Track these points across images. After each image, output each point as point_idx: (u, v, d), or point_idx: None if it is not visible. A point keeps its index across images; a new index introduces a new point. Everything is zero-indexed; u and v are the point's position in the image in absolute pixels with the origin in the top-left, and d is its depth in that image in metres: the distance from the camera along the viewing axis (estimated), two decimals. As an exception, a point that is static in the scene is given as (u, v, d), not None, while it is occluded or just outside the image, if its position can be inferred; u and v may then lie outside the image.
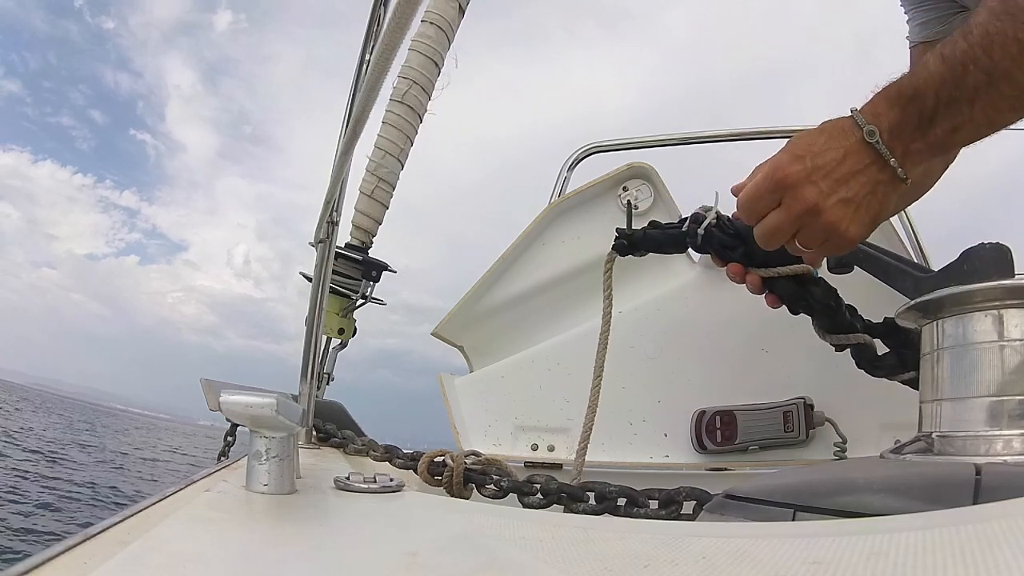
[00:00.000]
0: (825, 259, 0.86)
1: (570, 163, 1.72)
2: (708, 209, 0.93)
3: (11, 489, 7.18)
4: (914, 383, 0.75)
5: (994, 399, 0.47)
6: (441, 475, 0.81)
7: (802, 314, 0.93)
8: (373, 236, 1.47)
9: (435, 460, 0.83)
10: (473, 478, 0.80)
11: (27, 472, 8.62)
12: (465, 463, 0.81)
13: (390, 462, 0.91)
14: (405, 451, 0.92)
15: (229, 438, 0.98)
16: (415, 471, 0.85)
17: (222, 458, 1.00)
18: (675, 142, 1.69)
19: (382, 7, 0.93)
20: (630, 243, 1.00)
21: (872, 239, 1.28)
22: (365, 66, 0.90)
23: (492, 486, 0.79)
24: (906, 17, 1.12)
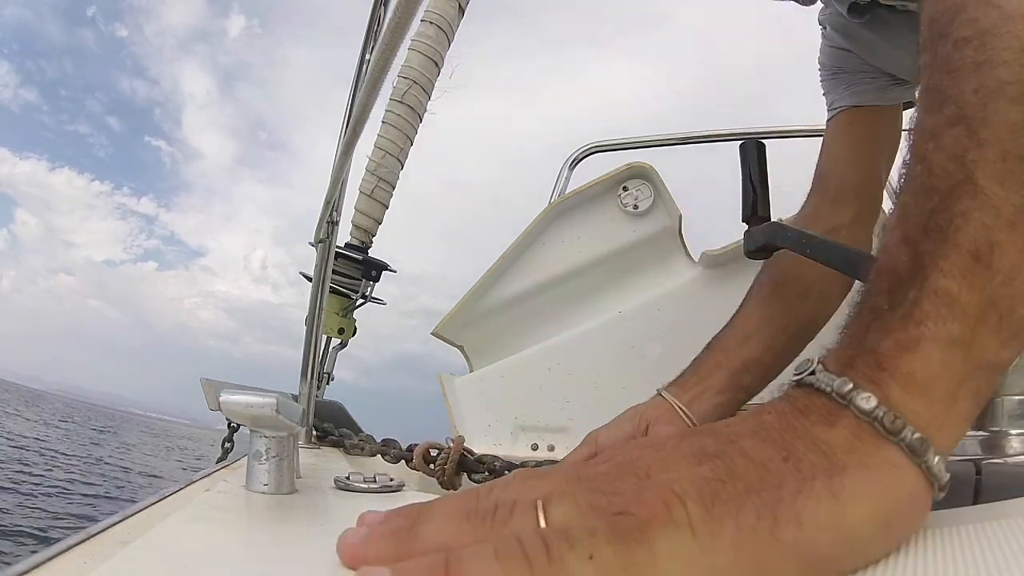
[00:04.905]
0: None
1: (570, 163, 1.72)
2: None
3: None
4: None
5: (993, 399, 0.47)
6: (435, 462, 0.81)
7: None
8: (373, 236, 1.47)
9: (430, 450, 0.84)
10: (468, 464, 0.80)
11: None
12: (462, 451, 0.81)
13: (383, 455, 0.91)
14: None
15: (228, 444, 0.97)
16: (408, 462, 0.85)
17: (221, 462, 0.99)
18: (675, 142, 1.69)
19: (382, 7, 0.93)
20: None
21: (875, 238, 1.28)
22: (365, 66, 0.90)
23: (486, 472, 0.79)
24: (825, 90, 0.97)
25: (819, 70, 0.97)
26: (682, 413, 0.80)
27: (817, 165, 0.95)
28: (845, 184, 0.92)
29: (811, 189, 0.95)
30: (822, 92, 0.97)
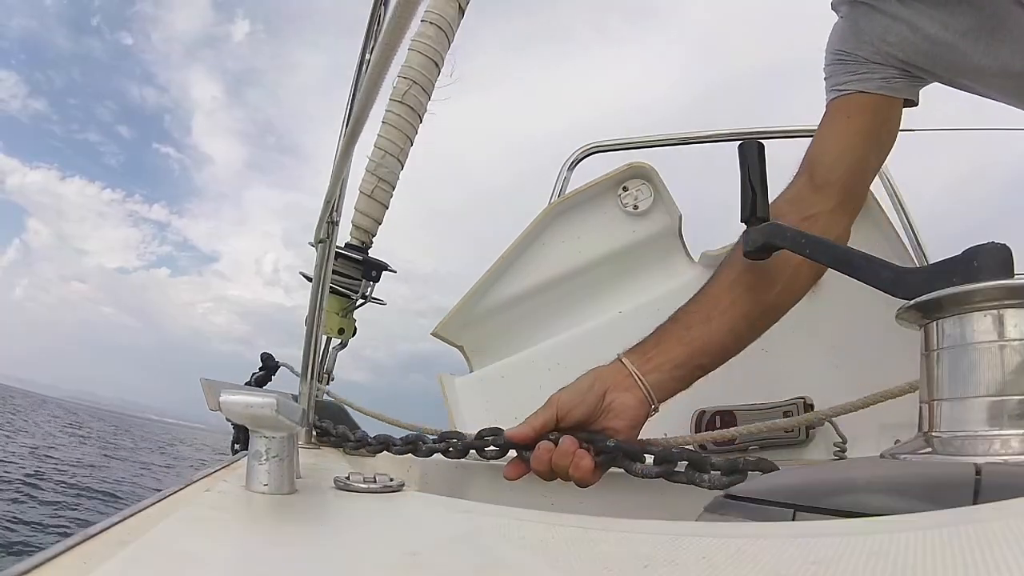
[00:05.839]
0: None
1: (570, 163, 1.72)
2: None
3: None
4: None
5: (994, 399, 0.47)
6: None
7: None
8: (373, 236, 1.47)
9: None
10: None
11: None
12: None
13: (389, 450, 0.91)
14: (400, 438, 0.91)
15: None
16: (416, 452, 0.87)
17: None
18: (675, 142, 1.69)
19: (382, 7, 0.93)
20: None
21: (874, 239, 1.27)
22: (365, 66, 0.90)
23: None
24: (827, 74, 0.96)
25: (826, 54, 0.96)
26: (640, 382, 0.82)
27: (808, 148, 0.94)
28: (832, 172, 0.91)
29: (798, 171, 0.94)
30: (824, 76, 0.96)
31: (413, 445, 0.88)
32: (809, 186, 0.92)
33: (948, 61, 0.88)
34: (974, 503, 0.37)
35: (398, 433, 0.93)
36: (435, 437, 0.89)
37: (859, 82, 0.91)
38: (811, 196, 0.91)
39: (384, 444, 0.91)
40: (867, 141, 0.92)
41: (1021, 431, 0.45)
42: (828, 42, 0.97)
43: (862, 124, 0.92)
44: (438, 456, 0.88)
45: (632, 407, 0.81)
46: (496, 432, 0.84)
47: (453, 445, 0.86)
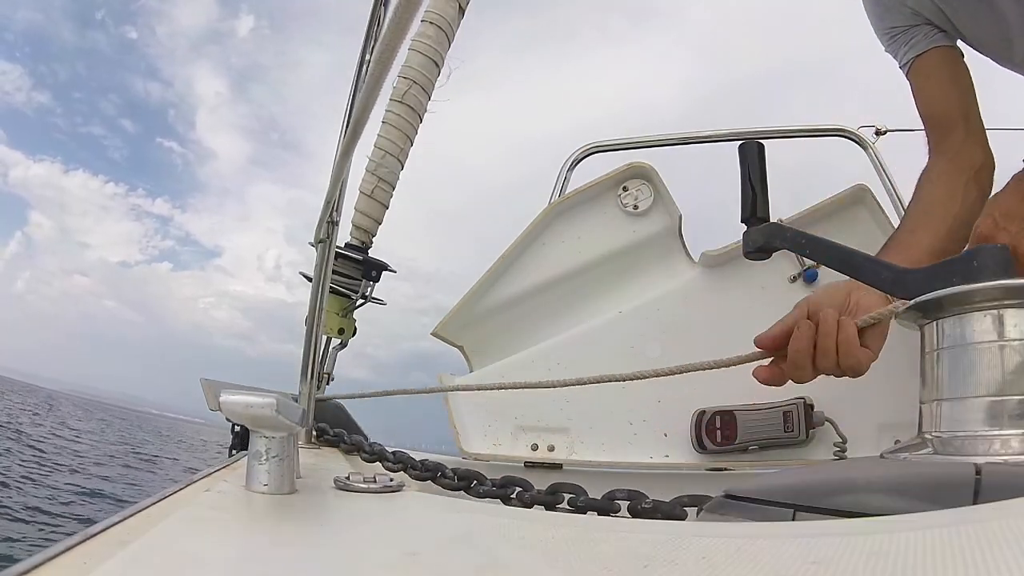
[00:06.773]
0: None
1: (570, 163, 1.72)
2: None
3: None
4: None
5: (993, 399, 0.47)
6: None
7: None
8: (373, 236, 1.46)
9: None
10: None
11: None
12: None
13: (382, 462, 0.91)
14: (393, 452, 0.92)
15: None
16: (407, 471, 0.86)
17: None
18: (675, 142, 1.69)
19: (382, 7, 0.93)
20: None
21: (874, 238, 1.27)
22: (365, 66, 0.90)
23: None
24: (891, 53, 1.14)
25: (878, 35, 1.14)
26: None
27: (921, 116, 1.09)
28: (946, 114, 1.06)
29: (927, 143, 1.08)
30: (891, 56, 1.13)
31: (403, 464, 0.88)
32: (937, 138, 1.07)
33: (952, 31, 1.03)
34: (974, 503, 0.37)
35: (394, 440, 0.94)
36: (424, 460, 0.90)
37: (913, 49, 1.08)
38: (944, 141, 1.06)
39: (378, 456, 0.92)
40: (949, 84, 1.07)
41: (1021, 431, 0.45)
42: (871, 22, 1.14)
43: (939, 74, 1.07)
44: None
45: (877, 304, 0.83)
46: (480, 477, 0.85)
47: (442, 476, 0.86)
